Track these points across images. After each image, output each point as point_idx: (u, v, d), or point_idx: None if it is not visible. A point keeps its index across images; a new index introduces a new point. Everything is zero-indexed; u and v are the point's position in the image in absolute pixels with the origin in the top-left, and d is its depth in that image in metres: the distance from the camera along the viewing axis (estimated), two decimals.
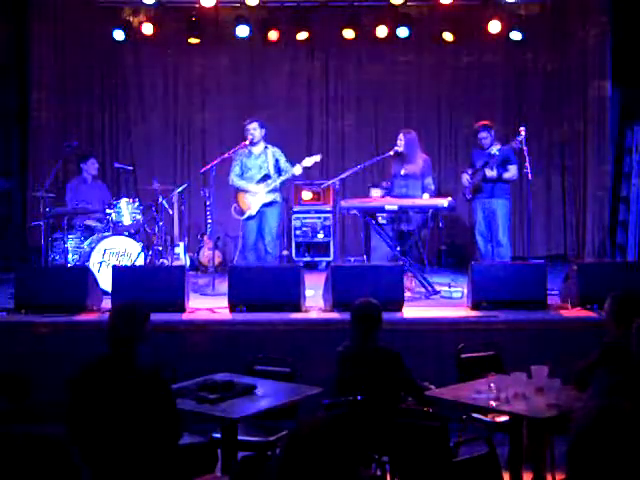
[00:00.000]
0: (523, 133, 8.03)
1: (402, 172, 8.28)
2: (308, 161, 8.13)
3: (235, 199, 8.27)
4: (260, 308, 6.75)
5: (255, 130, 8.17)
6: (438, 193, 9.45)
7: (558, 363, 4.81)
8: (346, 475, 2.29)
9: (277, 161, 8.23)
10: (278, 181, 8.17)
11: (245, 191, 8.16)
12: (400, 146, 8.23)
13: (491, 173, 8.26)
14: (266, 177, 8.15)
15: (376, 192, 8.48)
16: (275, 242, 8.40)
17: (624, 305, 4.43)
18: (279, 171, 8.20)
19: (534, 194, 9.10)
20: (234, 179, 8.20)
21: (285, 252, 9.25)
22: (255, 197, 8.13)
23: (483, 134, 8.45)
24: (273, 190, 8.17)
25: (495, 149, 8.36)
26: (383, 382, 4.68)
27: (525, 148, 8.00)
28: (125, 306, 4.46)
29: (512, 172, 8.38)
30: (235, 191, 8.26)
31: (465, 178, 8.54)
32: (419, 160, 8.32)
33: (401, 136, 8.30)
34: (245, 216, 8.16)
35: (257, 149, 8.22)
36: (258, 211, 8.13)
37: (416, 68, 10.70)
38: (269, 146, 8.27)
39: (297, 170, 8.12)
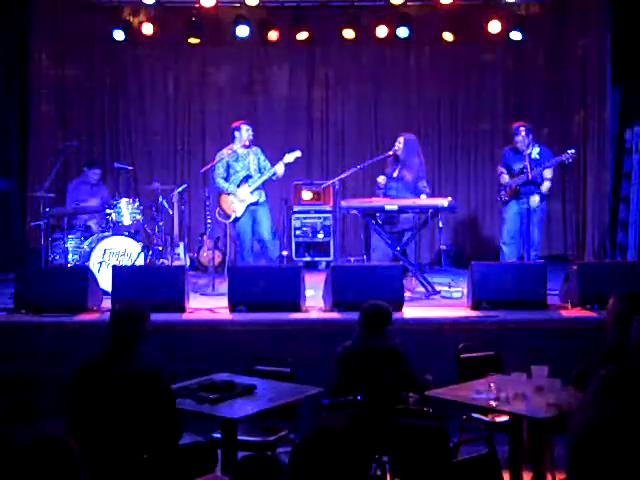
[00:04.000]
0: (524, 132, 7.99)
1: (394, 174, 8.24)
2: (289, 157, 8.09)
3: (218, 203, 8.22)
4: (260, 308, 6.75)
5: (249, 131, 8.19)
6: (438, 193, 9.47)
7: (558, 363, 4.81)
8: (359, 476, 2.29)
9: (258, 159, 8.25)
10: (259, 181, 8.14)
11: (228, 194, 8.13)
12: (399, 149, 8.20)
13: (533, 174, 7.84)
14: (247, 177, 8.15)
15: (383, 179, 8.33)
16: (273, 240, 8.38)
17: (627, 305, 4.42)
18: (259, 170, 8.21)
19: None
20: (219, 181, 8.15)
21: (285, 252, 9.24)
22: (239, 199, 8.12)
23: (519, 137, 8.02)
24: (257, 189, 8.16)
25: (535, 152, 8.04)
26: (387, 381, 4.68)
27: (525, 148, 7.99)
28: (126, 305, 4.46)
29: (547, 174, 8.01)
30: (218, 195, 8.22)
31: (506, 178, 8.12)
32: (415, 166, 8.26)
33: (400, 139, 8.24)
34: (231, 219, 8.15)
35: (243, 151, 8.20)
36: (246, 212, 8.11)
37: (416, 68, 10.70)
38: (251, 146, 8.28)
39: (280, 169, 8.11)
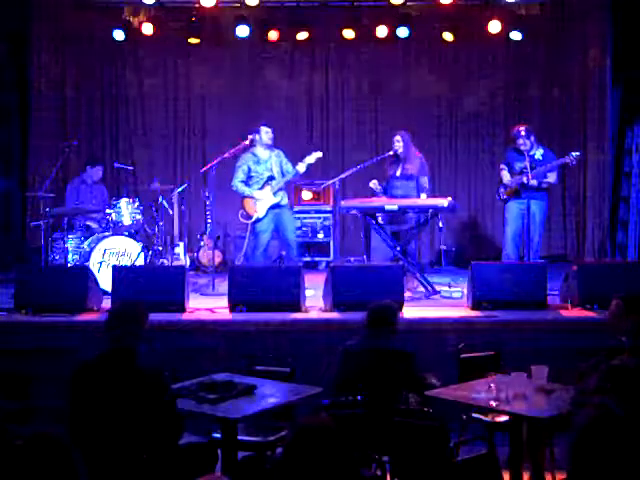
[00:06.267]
0: (524, 133, 8.01)
1: (397, 173, 8.24)
2: (311, 158, 8.09)
3: (241, 204, 8.23)
4: (260, 308, 6.75)
5: (268, 134, 8.16)
6: (438, 193, 9.46)
7: (558, 363, 4.81)
8: (347, 474, 2.29)
9: (280, 162, 8.24)
10: (282, 182, 8.15)
11: (250, 197, 8.15)
12: (399, 147, 8.21)
13: (532, 182, 7.85)
14: (270, 178, 8.15)
15: (374, 184, 8.31)
16: (296, 243, 8.38)
17: (628, 307, 4.43)
18: (282, 172, 8.21)
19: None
20: (238, 185, 8.14)
21: (285, 252, 9.25)
22: (260, 201, 8.12)
23: (520, 140, 8.01)
24: (280, 190, 8.15)
25: (539, 153, 8.09)
26: (391, 382, 4.68)
27: (525, 149, 7.99)
28: (123, 305, 4.46)
29: (552, 179, 8.08)
30: (242, 197, 8.21)
31: (507, 176, 8.17)
32: (416, 160, 8.29)
33: (399, 138, 8.23)
34: (253, 219, 8.13)
35: (264, 154, 8.18)
36: (268, 213, 8.10)
37: (416, 68, 10.70)
38: (273, 149, 8.27)
39: (301, 168, 8.10)
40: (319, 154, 8.14)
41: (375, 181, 8.26)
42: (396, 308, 5.08)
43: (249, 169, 8.15)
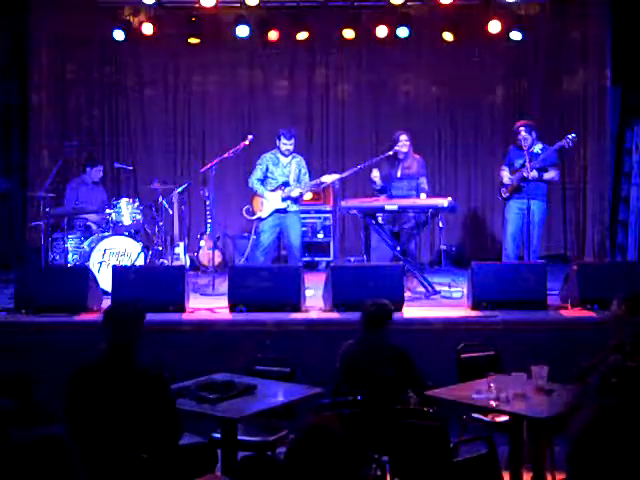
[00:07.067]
0: (523, 131, 8.04)
1: (398, 174, 8.23)
2: (327, 178, 8.11)
3: (250, 201, 8.26)
4: (260, 308, 6.76)
5: (286, 145, 8.15)
6: (438, 193, 9.47)
7: (558, 363, 4.81)
8: (350, 474, 2.29)
9: (299, 171, 8.25)
10: (294, 191, 8.14)
11: (261, 196, 8.17)
12: (405, 147, 8.18)
13: (532, 174, 7.89)
14: (284, 184, 8.15)
15: (376, 173, 8.27)
16: (299, 249, 8.37)
17: (629, 307, 4.42)
18: (299, 181, 8.21)
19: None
20: (254, 182, 8.16)
21: (286, 252, 9.25)
22: (268, 202, 8.13)
23: (523, 134, 8.04)
24: (287, 198, 8.15)
25: (537, 148, 8.14)
26: (389, 380, 4.69)
27: (525, 147, 7.99)
28: (118, 307, 4.45)
29: (552, 173, 8.13)
30: (253, 193, 8.24)
31: (507, 177, 8.19)
32: (415, 160, 8.29)
33: (405, 137, 8.21)
34: (255, 217, 8.17)
35: (286, 159, 8.21)
36: (272, 215, 8.09)
37: (416, 68, 10.70)
38: (295, 155, 8.28)
39: (306, 195, 8.17)
40: (337, 176, 8.12)
41: (376, 171, 8.19)
42: (390, 307, 5.10)
43: (267, 169, 8.17)
